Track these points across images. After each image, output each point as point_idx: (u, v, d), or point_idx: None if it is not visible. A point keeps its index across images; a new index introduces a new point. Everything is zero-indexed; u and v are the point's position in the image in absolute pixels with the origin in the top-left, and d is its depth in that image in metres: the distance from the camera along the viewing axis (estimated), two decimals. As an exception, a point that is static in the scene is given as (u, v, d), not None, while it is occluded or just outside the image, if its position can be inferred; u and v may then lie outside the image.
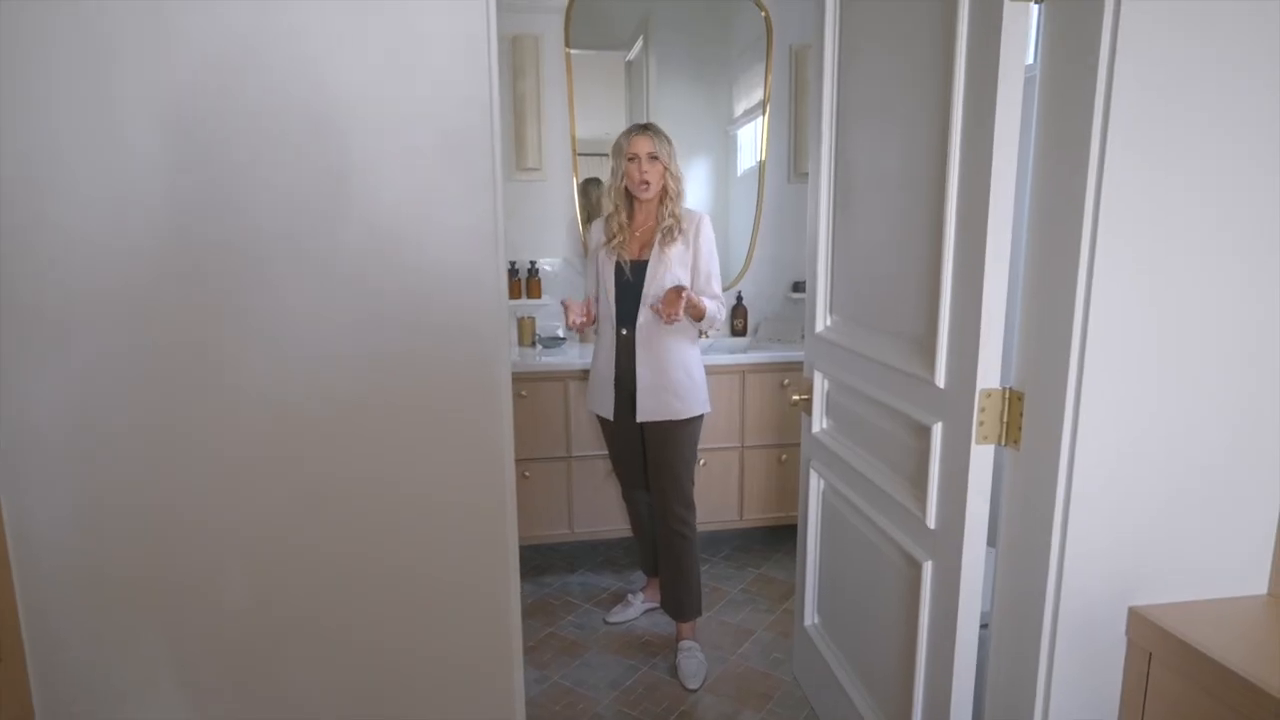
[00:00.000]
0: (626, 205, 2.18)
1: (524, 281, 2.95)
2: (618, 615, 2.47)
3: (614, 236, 2.17)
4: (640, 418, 2.17)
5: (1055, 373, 1.05)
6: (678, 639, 2.28)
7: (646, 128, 2.13)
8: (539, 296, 2.94)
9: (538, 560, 2.88)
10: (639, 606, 2.51)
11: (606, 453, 2.47)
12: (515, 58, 2.83)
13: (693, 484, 2.23)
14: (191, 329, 1.24)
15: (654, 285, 2.12)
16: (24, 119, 1.14)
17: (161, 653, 1.34)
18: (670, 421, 2.16)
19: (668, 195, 2.14)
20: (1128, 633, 1.09)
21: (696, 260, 2.16)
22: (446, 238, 1.26)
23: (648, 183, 2.10)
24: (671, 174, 2.13)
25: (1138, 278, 1.01)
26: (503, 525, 1.37)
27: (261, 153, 1.20)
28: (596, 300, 2.25)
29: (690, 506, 2.22)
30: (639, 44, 3.01)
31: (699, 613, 2.29)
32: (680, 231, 2.13)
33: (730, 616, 2.49)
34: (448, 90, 1.23)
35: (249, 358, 1.26)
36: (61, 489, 1.25)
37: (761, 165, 3.10)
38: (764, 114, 3.06)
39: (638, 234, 2.19)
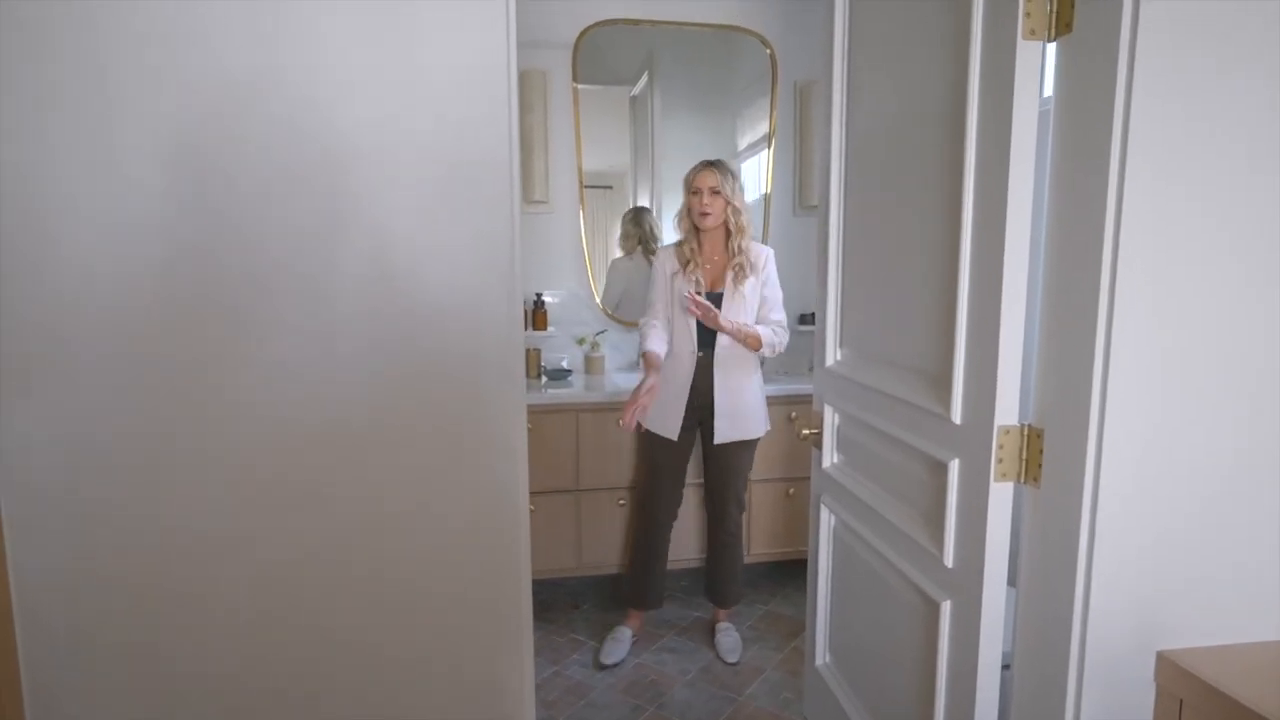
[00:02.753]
0: (694, 235, 2.32)
1: (529, 313, 2.94)
2: (612, 656, 2.40)
3: (687, 263, 2.30)
4: (718, 439, 2.34)
5: (1076, 409, 1.04)
6: (715, 621, 2.57)
7: (712, 164, 2.28)
8: (545, 328, 2.94)
9: (543, 595, 2.83)
10: (627, 642, 2.46)
11: (625, 483, 2.54)
12: (523, 92, 2.86)
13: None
14: (193, 360, 1.24)
15: (730, 315, 2.27)
16: (25, 144, 1.14)
17: (157, 674, 1.30)
18: (745, 440, 2.37)
19: (734, 229, 2.29)
20: (1156, 678, 1.06)
21: (763, 290, 2.36)
22: (460, 271, 1.26)
23: (707, 214, 2.26)
24: (734, 208, 2.28)
25: (1161, 309, 1.00)
26: (516, 557, 1.35)
27: (271, 185, 1.20)
28: (669, 322, 2.36)
29: (744, 510, 2.50)
30: (644, 79, 3.04)
31: (741, 598, 2.59)
32: (751, 268, 2.30)
33: (739, 653, 2.44)
34: (464, 123, 1.23)
35: (254, 390, 1.25)
36: (60, 518, 1.23)
37: (766, 198, 3.12)
38: (769, 148, 3.08)
39: (708, 266, 2.33)
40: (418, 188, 1.23)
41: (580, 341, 2.99)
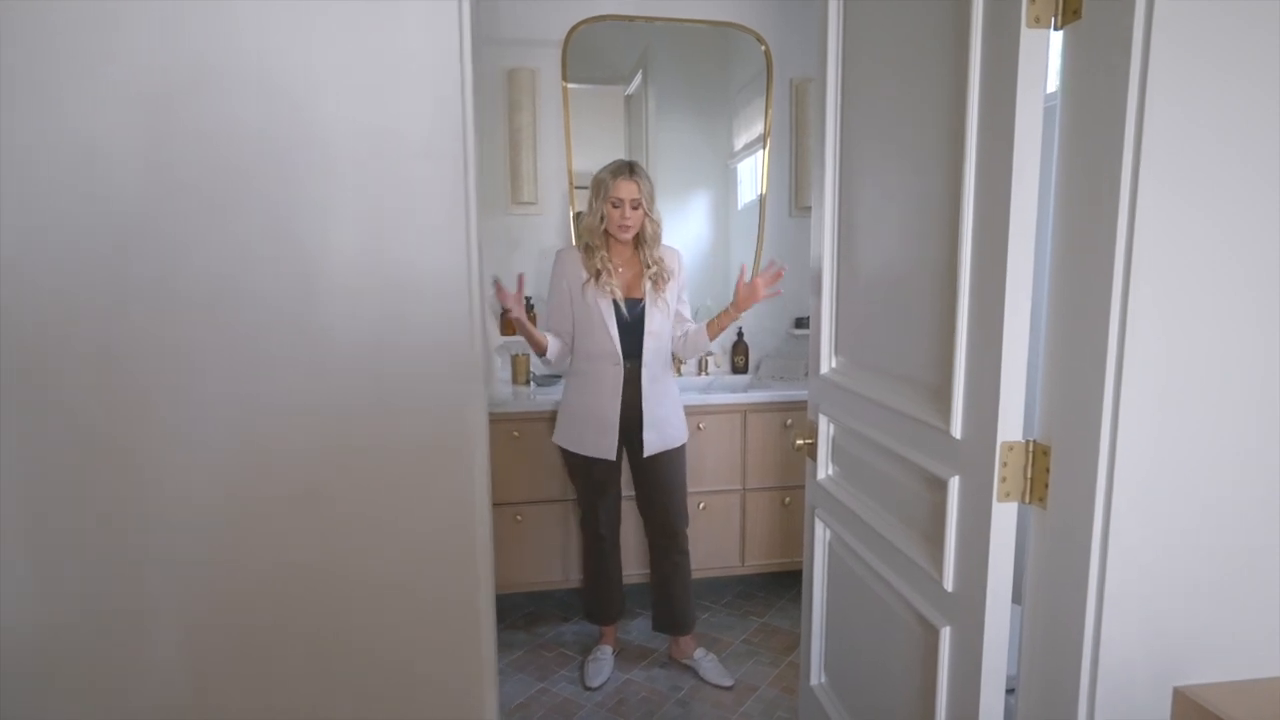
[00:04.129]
0: (606, 244, 2.20)
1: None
2: (597, 677, 2.31)
3: (598, 272, 2.16)
4: (648, 451, 2.23)
5: (1086, 424, 0.96)
6: (684, 654, 2.38)
7: (632, 171, 2.14)
8: (534, 333, 2.86)
9: (531, 608, 2.76)
10: (609, 659, 2.38)
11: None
12: (511, 91, 2.79)
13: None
14: (133, 368, 1.16)
15: (655, 323, 2.20)
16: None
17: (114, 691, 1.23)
18: (672, 449, 2.26)
19: (649, 239, 2.20)
20: (1174, 716, 0.98)
21: (681, 294, 2.31)
22: (412, 274, 1.18)
23: (628, 227, 2.15)
24: (651, 219, 2.17)
25: (1180, 316, 0.92)
26: (473, 571, 1.28)
27: (211, 179, 1.12)
28: (566, 335, 2.24)
29: (688, 524, 2.35)
30: (638, 78, 2.97)
31: (695, 619, 2.43)
32: (670, 274, 2.24)
33: (732, 669, 2.36)
34: (416, 119, 1.15)
35: (187, 401, 1.18)
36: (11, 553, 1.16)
37: (762, 199, 3.05)
38: (764, 148, 3.01)
39: (621, 271, 2.21)
40: (362, 188, 1.15)
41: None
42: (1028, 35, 0.99)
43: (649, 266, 2.20)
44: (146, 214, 1.12)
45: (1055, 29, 0.99)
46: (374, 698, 1.31)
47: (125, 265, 1.13)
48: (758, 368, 3.09)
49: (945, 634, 1.21)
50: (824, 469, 1.73)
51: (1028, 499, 1.07)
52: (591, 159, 2.95)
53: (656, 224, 2.20)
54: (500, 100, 2.80)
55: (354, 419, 1.21)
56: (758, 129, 3.02)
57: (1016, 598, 1.12)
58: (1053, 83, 1.11)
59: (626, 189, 2.12)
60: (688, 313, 2.32)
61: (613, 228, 2.15)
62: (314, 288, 1.17)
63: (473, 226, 1.17)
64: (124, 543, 1.20)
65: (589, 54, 2.87)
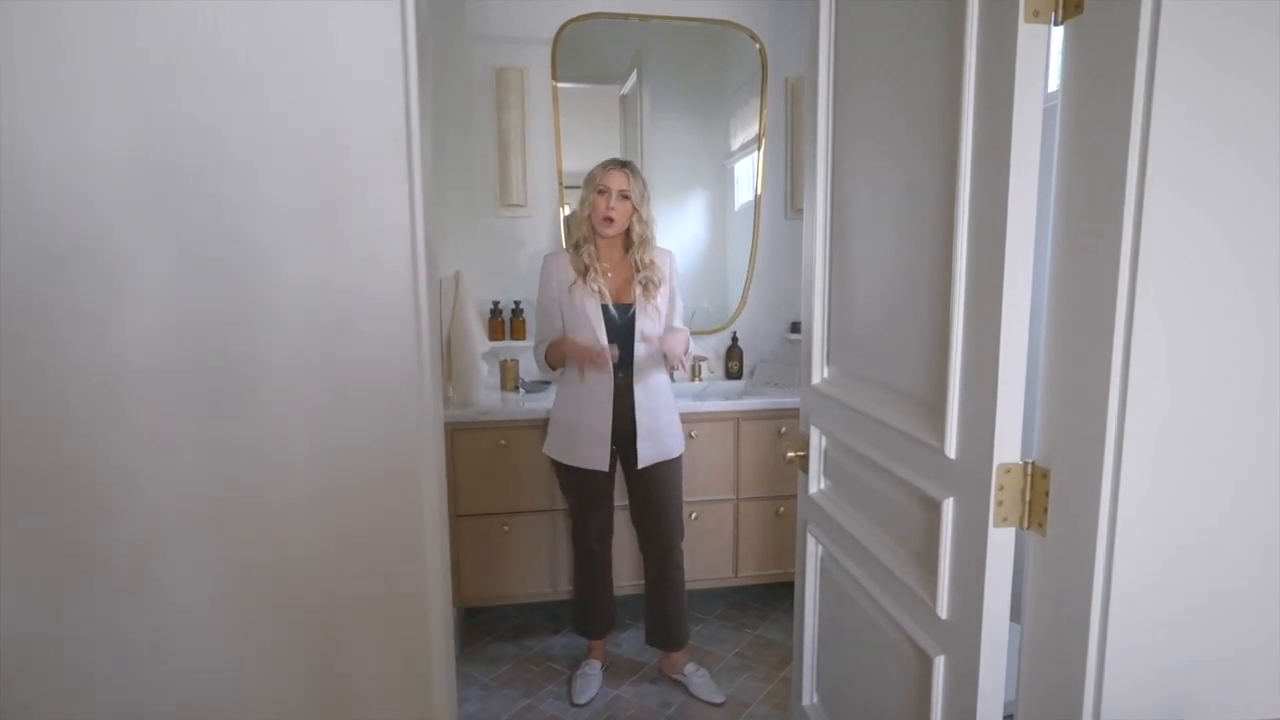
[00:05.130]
0: (594, 240, 2.10)
1: (507, 322, 2.81)
2: (584, 694, 2.24)
3: (585, 270, 2.07)
4: (643, 463, 2.13)
5: (1088, 446, 0.90)
6: (675, 669, 2.31)
7: (624, 165, 2.05)
8: (524, 338, 2.80)
9: (519, 619, 2.69)
10: (598, 675, 2.32)
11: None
12: (499, 90, 2.72)
13: None
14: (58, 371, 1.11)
15: (646, 329, 2.08)
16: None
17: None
18: (667, 461, 2.17)
19: (638, 240, 2.08)
20: (1182, 759, 0.92)
21: (673, 299, 2.19)
22: (353, 276, 1.13)
23: (612, 219, 2.03)
24: (640, 218, 2.06)
25: (1189, 331, 0.86)
26: (421, 587, 1.23)
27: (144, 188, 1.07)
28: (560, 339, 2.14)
29: (683, 537, 2.27)
30: (633, 77, 2.91)
31: (688, 635, 2.33)
32: (661, 279, 2.11)
33: (724, 685, 2.29)
34: (351, 109, 1.09)
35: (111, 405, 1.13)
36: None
37: (757, 200, 2.98)
38: (759, 148, 2.94)
39: (610, 274, 2.10)
40: (296, 189, 1.09)
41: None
42: (1026, 31, 0.93)
43: (639, 270, 2.10)
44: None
45: (1055, 24, 0.93)
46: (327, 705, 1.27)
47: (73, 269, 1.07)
48: (752, 373, 3.03)
49: (939, 663, 1.14)
50: (816, 483, 1.67)
51: (1026, 524, 1.00)
52: (586, 160, 2.87)
53: (647, 225, 2.10)
54: (488, 100, 2.73)
55: (293, 430, 1.16)
56: (754, 129, 2.96)
57: (1014, 616, 1.06)
58: (1052, 82, 1.05)
59: (614, 179, 2.04)
60: (679, 320, 2.21)
61: (596, 219, 2.05)
62: (257, 295, 1.11)
63: (419, 229, 1.10)
64: (79, 556, 1.15)
65: (582, 53, 2.81)
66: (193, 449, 1.16)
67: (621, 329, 2.10)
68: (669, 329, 2.16)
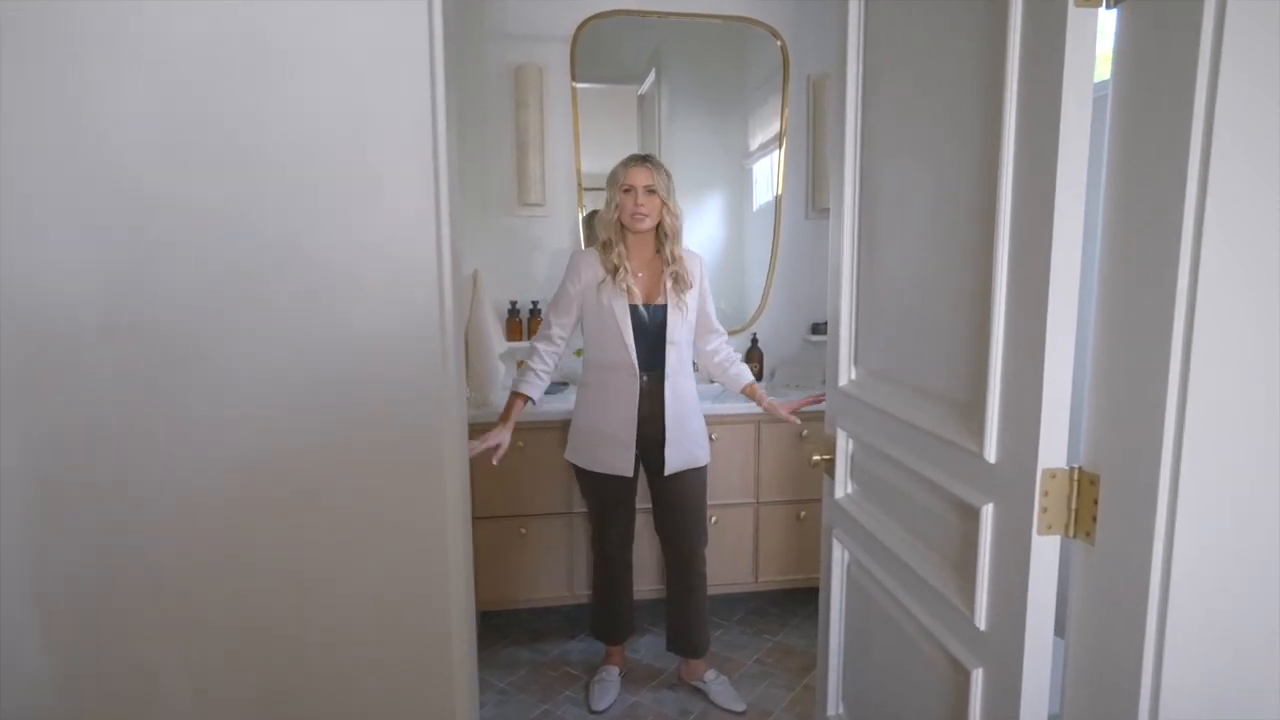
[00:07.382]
0: (623, 239, 2.05)
1: (525, 322, 2.78)
2: (602, 700, 2.20)
3: (615, 270, 2.02)
4: (669, 469, 2.10)
5: (1143, 450, 0.85)
6: (695, 675, 2.27)
7: (646, 159, 2.03)
8: (541, 338, 2.76)
9: (536, 624, 2.66)
10: (616, 681, 2.27)
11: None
12: (518, 89, 2.70)
13: None
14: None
15: (678, 332, 2.08)
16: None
17: None
18: (694, 469, 2.15)
19: (667, 234, 2.05)
20: (1243, 784, 0.87)
21: (704, 303, 2.17)
22: (376, 278, 1.11)
23: (643, 215, 2.00)
24: (669, 210, 2.03)
25: (1256, 328, 0.81)
26: (442, 589, 1.20)
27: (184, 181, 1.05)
28: (560, 336, 2.12)
29: (706, 544, 2.25)
30: (651, 76, 2.88)
31: (709, 642, 2.31)
32: (691, 277, 2.08)
33: (745, 692, 2.25)
34: (375, 109, 1.07)
35: (173, 408, 1.11)
36: None
37: (778, 200, 2.94)
38: (780, 147, 2.90)
39: (640, 274, 2.06)
40: (319, 187, 1.08)
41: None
42: (1075, 14, 0.88)
43: (669, 263, 2.06)
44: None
45: (1107, 7, 0.88)
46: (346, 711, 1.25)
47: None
48: (772, 375, 2.98)
49: (977, 676, 1.10)
50: (843, 487, 1.62)
51: (1072, 532, 0.96)
52: (604, 160, 2.85)
53: (677, 217, 2.07)
54: (506, 98, 2.71)
55: (310, 419, 1.14)
56: (774, 128, 2.92)
57: (1058, 630, 1.01)
58: (1100, 70, 1.00)
59: (638, 175, 2.02)
60: (718, 326, 2.21)
61: (626, 217, 2.02)
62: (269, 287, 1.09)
63: (444, 222, 1.08)
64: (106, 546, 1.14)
65: (600, 52, 2.78)
66: (210, 445, 1.14)
67: (650, 330, 2.07)
68: (713, 335, 2.23)
